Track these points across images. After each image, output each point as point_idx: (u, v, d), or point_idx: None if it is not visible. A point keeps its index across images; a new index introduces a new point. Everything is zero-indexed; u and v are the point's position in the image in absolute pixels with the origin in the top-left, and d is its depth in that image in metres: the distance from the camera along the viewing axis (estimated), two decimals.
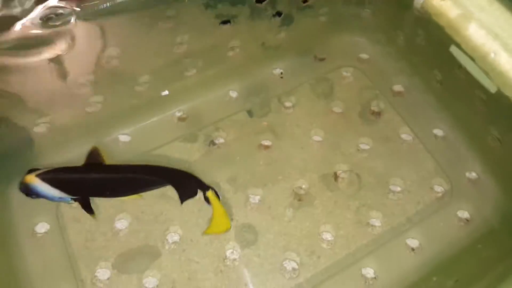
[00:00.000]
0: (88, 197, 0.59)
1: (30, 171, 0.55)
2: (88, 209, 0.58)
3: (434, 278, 0.54)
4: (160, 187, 0.60)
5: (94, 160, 0.59)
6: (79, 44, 0.58)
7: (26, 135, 0.62)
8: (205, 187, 0.58)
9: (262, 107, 0.70)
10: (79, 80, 0.62)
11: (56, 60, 0.58)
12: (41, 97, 0.61)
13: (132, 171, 0.58)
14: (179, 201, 0.58)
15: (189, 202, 0.58)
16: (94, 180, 0.57)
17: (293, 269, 0.55)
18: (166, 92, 0.69)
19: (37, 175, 0.54)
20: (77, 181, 0.57)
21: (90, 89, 0.64)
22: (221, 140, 0.66)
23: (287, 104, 0.70)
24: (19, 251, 0.55)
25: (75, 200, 0.58)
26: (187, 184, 0.59)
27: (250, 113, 0.69)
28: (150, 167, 0.59)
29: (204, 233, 0.58)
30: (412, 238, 0.58)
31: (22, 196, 0.55)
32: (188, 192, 0.59)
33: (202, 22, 0.66)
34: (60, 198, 0.56)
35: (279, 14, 0.70)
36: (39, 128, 0.62)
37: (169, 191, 0.60)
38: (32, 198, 0.55)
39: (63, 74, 0.60)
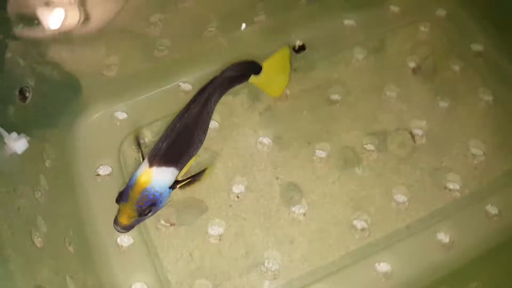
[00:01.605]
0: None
1: None
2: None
3: None
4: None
5: None
6: None
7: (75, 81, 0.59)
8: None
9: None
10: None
11: None
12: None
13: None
14: None
15: None
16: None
17: (362, 228, 0.53)
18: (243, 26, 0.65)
19: (151, 163, 0.47)
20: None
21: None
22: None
23: (359, 56, 0.66)
24: (83, 191, 0.54)
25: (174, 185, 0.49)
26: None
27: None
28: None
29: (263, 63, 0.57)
30: (492, 204, 0.54)
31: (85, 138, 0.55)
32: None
33: None
34: (169, 189, 0.48)
35: None
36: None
37: None
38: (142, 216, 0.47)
39: None
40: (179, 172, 0.50)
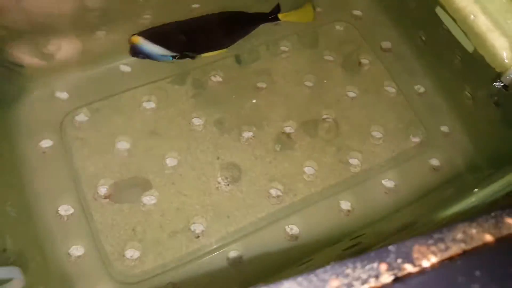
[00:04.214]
0: (186, 52, 0.66)
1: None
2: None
3: (404, 211, 0.60)
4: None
5: None
6: None
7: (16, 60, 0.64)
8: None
9: (251, 54, 0.74)
10: None
11: None
12: None
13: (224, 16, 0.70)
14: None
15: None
16: (191, 30, 0.66)
17: (277, 196, 0.61)
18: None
19: (140, 34, 0.63)
20: (175, 33, 0.65)
21: None
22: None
23: (281, 49, 0.74)
24: (26, 164, 0.59)
25: (174, 57, 0.65)
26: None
27: (238, 59, 0.72)
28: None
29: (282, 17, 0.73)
30: (388, 179, 0.64)
31: (28, 115, 0.60)
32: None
33: None
34: (162, 56, 0.65)
35: None
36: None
37: None
38: (140, 57, 0.64)
39: None
40: (172, 51, 0.65)
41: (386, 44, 0.78)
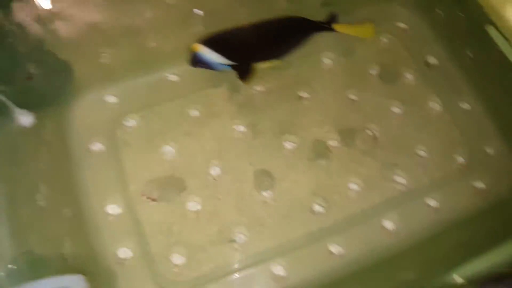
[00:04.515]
0: (245, 62, 0.66)
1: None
2: (244, 76, 0.66)
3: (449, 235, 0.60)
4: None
5: None
6: None
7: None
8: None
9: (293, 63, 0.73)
10: None
11: None
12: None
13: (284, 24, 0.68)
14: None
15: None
16: (250, 37, 0.66)
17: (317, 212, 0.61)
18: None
19: (200, 41, 0.62)
20: (235, 41, 0.65)
21: None
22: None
23: (324, 59, 0.74)
24: (77, 164, 0.60)
25: (233, 67, 0.65)
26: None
27: (280, 67, 0.71)
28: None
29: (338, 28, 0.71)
30: (432, 199, 0.63)
31: (80, 117, 0.61)
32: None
33: None
34: (221, 64, 0.64)
35: None
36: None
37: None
38: (198, 67, 0.64)
39: None
40: (231, 60, 0.64)
41: (431, 59, 0.76)
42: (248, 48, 0.67)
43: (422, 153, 0.67)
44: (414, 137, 0.68)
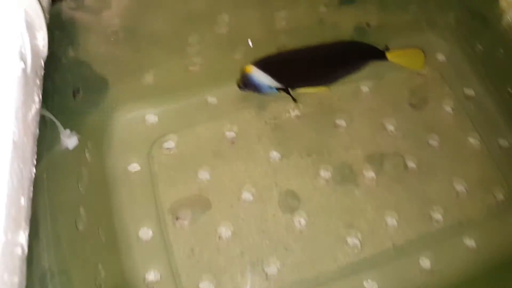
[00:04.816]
0: (294, 86, 0.66)
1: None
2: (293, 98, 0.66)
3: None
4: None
5: None
6: None
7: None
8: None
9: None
10: None
11: None
12: None
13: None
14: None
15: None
16: (303, 61, 0.67)
17: (353, 244, 0.60)
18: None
19: (253, 63, 0.63)
20: (287, 64, 0.66)
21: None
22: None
23: (362, 88, 0.73)
24: (114, 186, 0.60)
25: (280, 90, 0.65)
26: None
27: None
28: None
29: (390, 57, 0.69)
30: (469, 238, 0.61)
31: (119, 137, 0.62)
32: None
33: None
34: (270, 87, 0.64)
35: None
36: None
37: None
38: (247, 89, 0.64)
39: None
40: (280, 84, 0.64)
41: (469, 92, 0.75)
42: (301, 72, 0.67)
43: (459, 187, 0.66)
44: (450, 171, 0.67)
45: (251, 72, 0.62)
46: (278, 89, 0.65)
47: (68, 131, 0.50)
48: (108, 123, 0.64)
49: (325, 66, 0.69)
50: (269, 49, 0.68)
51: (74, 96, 0.56)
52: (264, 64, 0.63)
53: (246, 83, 0.63)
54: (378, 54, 0.71)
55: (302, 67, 0.67)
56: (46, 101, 0.45)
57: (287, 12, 0.73)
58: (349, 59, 0.70)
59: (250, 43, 0.70)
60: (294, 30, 0.72)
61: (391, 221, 0.62)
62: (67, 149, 0.50)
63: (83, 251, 0.49)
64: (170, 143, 0.65)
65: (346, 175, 0.65)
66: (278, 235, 0.60)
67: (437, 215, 0.63)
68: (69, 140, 0.50)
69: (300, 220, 0.61)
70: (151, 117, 0.66)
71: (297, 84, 0.67)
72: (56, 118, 0.50)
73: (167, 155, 0.64)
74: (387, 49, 0.71)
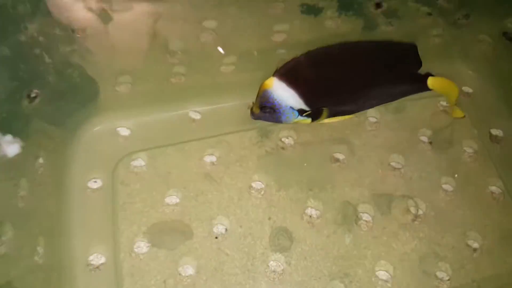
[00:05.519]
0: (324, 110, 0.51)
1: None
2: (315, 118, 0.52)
3: None
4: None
5: None
6: None
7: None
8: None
9: None
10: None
11: None
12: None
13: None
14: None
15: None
16: (345, 83, 0.51)
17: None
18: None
19: (277, 74, 0.47)
20: (320, 80, 0.49)
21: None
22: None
23: (369, 119, 0.65)
24: (68, 202, 0.54)
25: (305, 115, 0.51)
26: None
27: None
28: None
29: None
30: None
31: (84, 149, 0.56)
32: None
33: None
34: (291, 110, 0.49)
35: None
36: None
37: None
38: (258, 117, 0.51)
39: None
40: (305, 103, 0.49)
41: (497, 132, 0.65)
42: (341, 92, 0.52)
43: (473, 244, 0.56)
44: (465, 223, 0.57)
45: (271, 87, 0.47)
46: (302, 113, 0.51)
47: (9, 137, 0.44)
48: (75, 133, 0.58)
49: (370, 87, 0.54)
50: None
51: (29, 100, 0.50)
52: (290, 75, 0.47)
53: (267, 106, 0.48)
54: (423, 87, 0.56)
55: (343, 86, 0.51)
56: None
57: None
58: (397, 84, 0.56)
59: (221, 50, 0.63)
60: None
61: (383, 273, 0.53)
62: (4, 156, 0.44)
63: (6, 276, 0.42)
64: (139, 161, 0.58)
65: (348, 215, 0.57)
66: (264, 275, 0.52)
67: (442, 274, 0.54)
68: (8, 147, 0.44)
69: (290, 261, 0.53)
70: (123, 130, 0.60)
71: (330, 107, 0.52)
72: (4, 123, 0.44)
73: (133, 174, 0.57)
74: (430, 75, 0.56)
